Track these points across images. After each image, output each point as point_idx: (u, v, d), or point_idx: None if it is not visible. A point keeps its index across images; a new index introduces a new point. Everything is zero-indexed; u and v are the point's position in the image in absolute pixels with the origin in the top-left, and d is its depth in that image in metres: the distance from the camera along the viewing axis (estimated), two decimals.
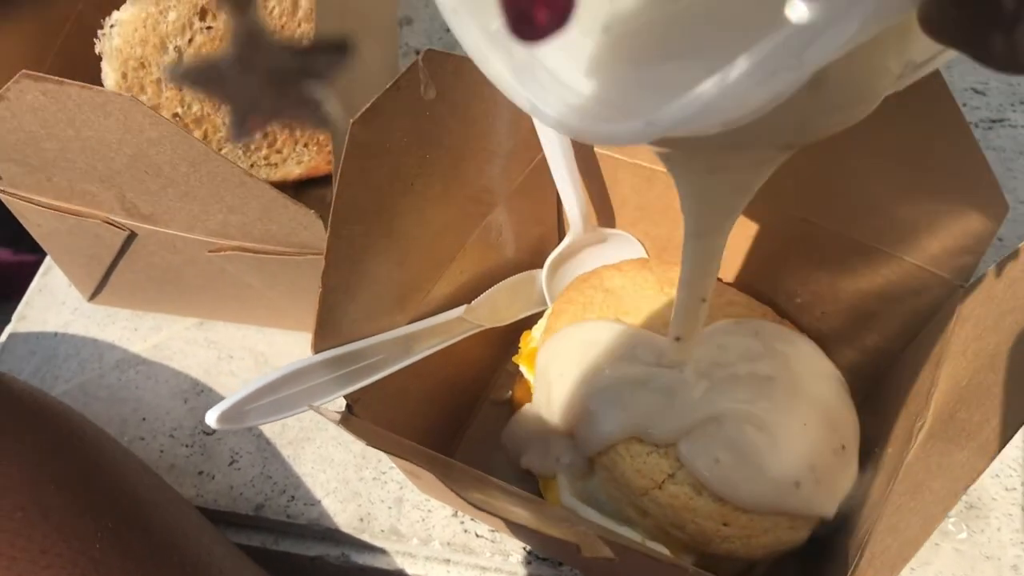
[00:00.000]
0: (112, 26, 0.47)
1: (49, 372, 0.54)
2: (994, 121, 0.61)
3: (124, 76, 0.47)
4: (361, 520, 0.46)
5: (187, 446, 0.50)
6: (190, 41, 0.48)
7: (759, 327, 0.43)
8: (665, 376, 0.39)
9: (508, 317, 0.48)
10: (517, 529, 0.41)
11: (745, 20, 0.17)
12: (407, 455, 0.35)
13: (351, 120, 0.33)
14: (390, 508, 0.47)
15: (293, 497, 0.48)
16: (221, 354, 0.54)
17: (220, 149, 0.50)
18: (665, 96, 0.17)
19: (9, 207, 0.47)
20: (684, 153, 0.26)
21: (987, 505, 0.45)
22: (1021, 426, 0.28)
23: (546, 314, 0.47)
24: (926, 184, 0.38)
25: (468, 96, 0.40)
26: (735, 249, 0.47)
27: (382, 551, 0.46)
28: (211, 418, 0.33)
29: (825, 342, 0.44)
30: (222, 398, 0.34)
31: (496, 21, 0.15)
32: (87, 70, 0.47)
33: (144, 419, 0.52)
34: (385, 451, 0.35)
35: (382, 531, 0.46)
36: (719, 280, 0.47)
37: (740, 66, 0.16)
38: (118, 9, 0.47)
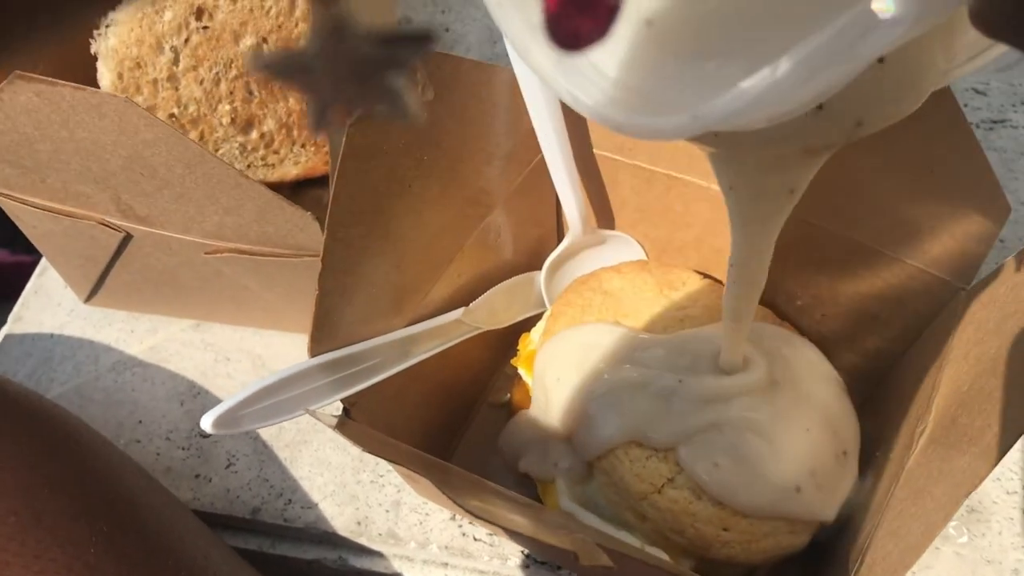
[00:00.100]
0: (108, 26, 0.47)
1: (45, 374, 0.54)
2: (995, 122, 0.61)
3: (120, 76, 0.47)
4: (358, 523, 0.46)
5: (183, 449, 0.50)
6: (186, 41, 0.48)
7: (759, 329, 0.43)
8: (664, 380, 0.38)
9: (506, 319, 0.48)
10: (515, 535, 0.41)
11: (798, 12, 0.17)
12: (403, 461, 0.34)
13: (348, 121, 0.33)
14: (387, 511, 0.46)
15: (290, 500, 0.47)
16: (218, 356, 0.54)
17: (216, 150, 0.50)
18: (711, 90, 0.17)
19: (4, 208, 0.46)
20: (728, 150, 0.26)
21: (988, 509, 0.44)
22: (1023, 432, 0.28)
23: (544, 316, 0.47)
24: (927, 186, 0.38)
25: (466, 97, 0.40)
26: None
27: (379, 555, 0.46)
28: (206, 423, 0.33)
29: (825, 344, 0.44)
30: (219, 400, 0.34)
31: (539, 14, 0.15)
32: (83, 70, 0.47)
33: (140, 422, 0.51)
34: (381, 457, 0.34)
35: (379, 534, 0.46)
36: (718, 282, 0.47)
37: (790, 60, 0.16)
38: (114, 9, 0.47)
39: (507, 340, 0.49)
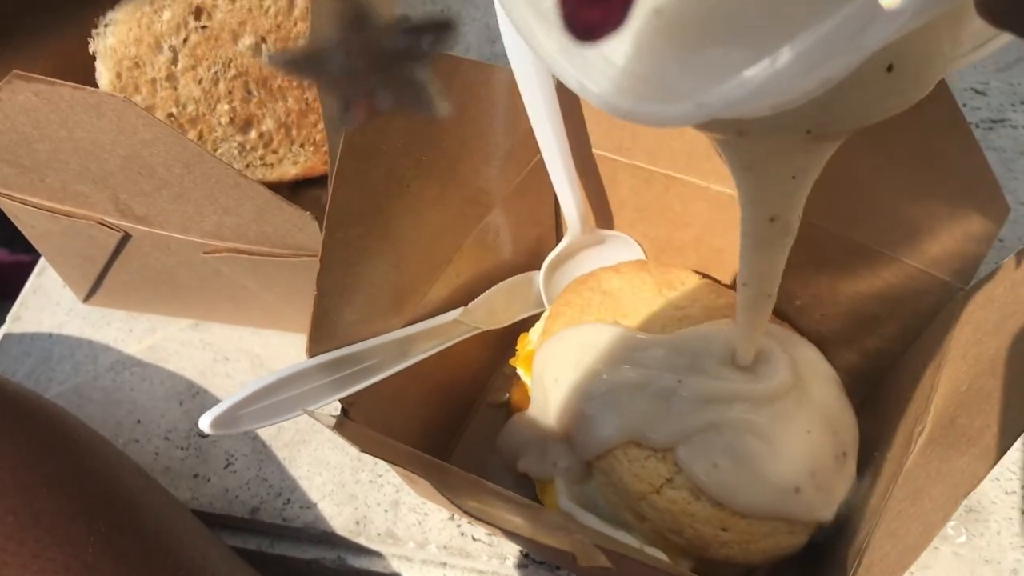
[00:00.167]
0: (106, 25, 0.47)
1: (44, 374, 0.54)
2: (995, 121, 0.61)
3: (118, 76, 0.47)
4: (357, 523, 0.46)
5: (182, 449, 0.50)
6: (185, 40, 0.48)
7: None
8: (663, 380, 0.38)
9: (505, 319, 0.48)
10: (513, 535, 0.41)
11: (802, 1, 0.17)
12: (402, 461, 0.34)
13: None
14: (386, 511, 0.46)
15: (289, 500, 0.47)
16: (217, 356, 0.54)
17: (215, 150, 0.50)
18: (716, 78, 0.17)
19: (2, 208, 0.46)
20: (735, 138, 0.26)
21: (987, 509, 0.44)
22: (1022, 432, 0.28)
23: (543, 316, 0.47)
24: (926, 185, 0.38)
25: (465, 97, 0.40)
26: (733, 250, 0.46)
27: (378, 554, 0.46)
28: (204, 423, 0.33)
29: (824, 345, 0.44)
30: (218, 400, 0.34)
31: (551, 2, 0.15)
32: (81, 70, 0.47)
33: (139, 421, 0.51)
34: (380, 457, 0.34)
35: (378, 534, 0.46)
36: (717, 282, 0.47)
37: (793, 49, 0.16)
38: (112, 8, 0.47)
39: (506, 340, 0.49)
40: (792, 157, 0.27)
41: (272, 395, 0.34)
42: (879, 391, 0.45)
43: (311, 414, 0.35)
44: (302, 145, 0.52)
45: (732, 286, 0.47)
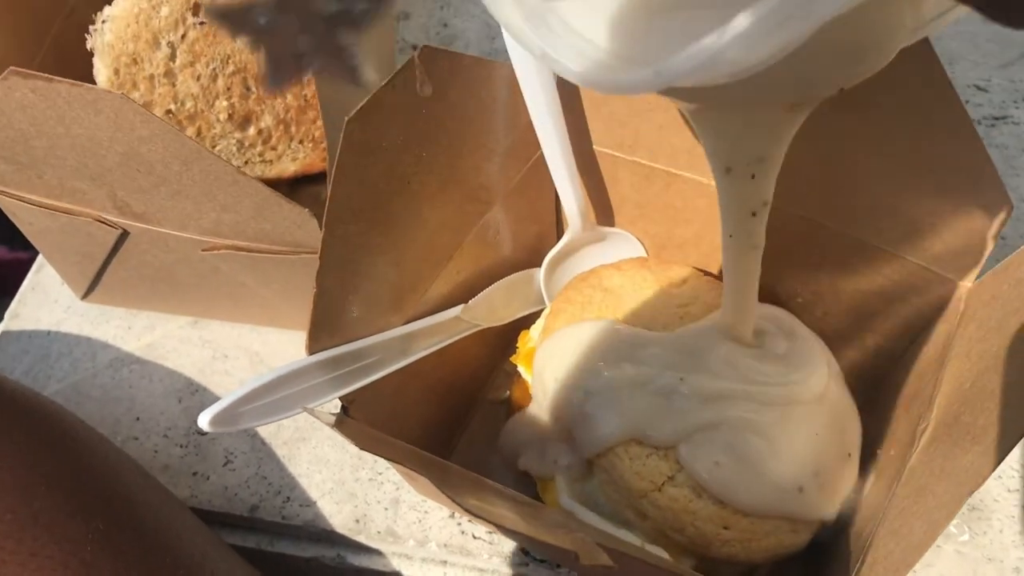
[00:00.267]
0: (104, 21, 0.47)
1: (42, 371, 0.54)
2: (997, 118, 0.61)
3: (116, 72, 0.47)
4: (357, 521, 0.46)
5: (181, 446, 0.50)
6: (183, 37, 0.48)
7: (772, 313, 0.43)
8: (665, 378, 0.38)
9: (506, 317, 0.48)
10: (514, 533, 0.41)
11: None
12: (402, 459, 0.34)
13: (346, 117, 0.33)
14: (386, 509, 0.46)
15: (288, 498, 0.47)
16: (216, 353, 0.54)
17: (213, 147, 0.50)
18: (675, 45, 0.17)
19: (0, 205, 0.46)
20: (702, 107, 0.26)
21: (989, 507, 0.44)
22: None
23: (544, 314, 0.46)
24: (929, 182, 0.37)
25: (465, 93, 0.40)
26: None
27: (378, 553, 0.45)
28: (203, 421, 0.33)
29: (826, 342, 0.44)
30: (217, 398, 0.34)
31: None
32: (79, 66, 0.46)
33: (138, 419, 0.51)
34: (380, 455, 0.34)
35: (378, 532, 0.46)
36: (718, 279, 0.47)
37: (749, 16, 0.16)
38: (110, 4, 0.47)
39: (506, 337, 0.49)
40: (761, 126, 0.27)
41: (272, 392, 0.34)
42: (881, 389, 0.45)
43: (311, 412, 0.35)
44: (301, 142, 0.52)
45: None
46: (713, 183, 0.44)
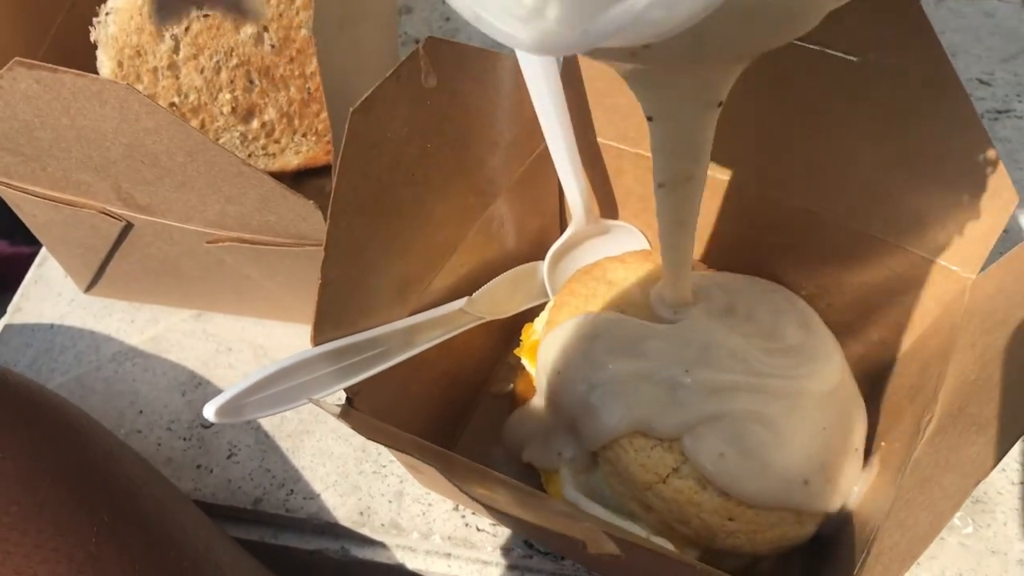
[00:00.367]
0: (108, 14, 0.47)
1: (45, 364, 0.54)
2: (1000, 112, 0.61)
3: (120, 64, 0.47)
4: (361, 514, 0.46)
5: (185, 439, 0.50)
6: (187, 29, 0.47)
7: (792, 301, 0.43)
8: (669, 370, 0.38)
9: (509, 309, 0.48)
10: (520, 524, 0.41)
11: None
12: (408, 449, 0.34)
13: (351, 109, 0.33)
14: (390, 502, 0.46)
15: (292, 491, 0.47)
16: (219, 346, 0.54)
17: (217, 140, 0.50)
18: (602, 7, 0.18)
19: (3, 197, 0.46)
20: (641, 69, 0.26)
21: (993, 499, 0.44)
22: None
23: (548, 306, 0.46)
24: (934, 175, 0.37)
25: (470, 85, 0.40)
26: (740, 240, 0.46)
27: (382, 545, 0.45)
28: (209, 412, 0.33)
29: None
30: (220, 391, 0.34)
31: None
32: (82, 58, 0.46)
33: (141, 412, 0.51)
34: (385, 445, 0.34)
35: (382, 525, 0.46)
36: (720, 272, 0.47)
37: None
38: None
39: (510, 330, 0.49)
40: (691, 88, 0.28)
41: (277, 384, 0.34)
42: (885, 381, 0.45)
43: (316, 403, 0.35)
44: (304, 135, 0.52)
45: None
46: (717, 175, 0.44)
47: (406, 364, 0.39)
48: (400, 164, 0.37)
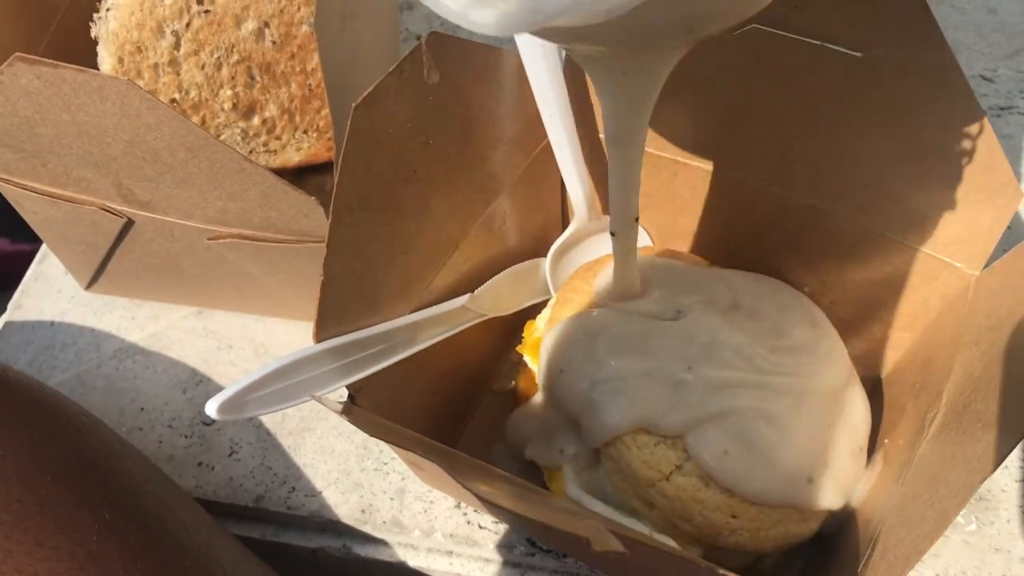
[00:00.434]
0: (108, 9, 0.46)
1: (46, 362, 0.53)
2: (1003, 108, 0.60)
3: (120, 61, 0.47)
4: (363, 511, 0.46)
5: (186, 437, 0.50)
6: (188, 25, 0.47)
7: (800, 301, 0.43)
8: (672, 367, 0.38)
9: (511, 306, 0.48)
10: (523, 521, 0.41)
11: None
12: (411, 446, 0.34)
13: (353, 104, 0.33)
14: (392, 499, 0.46)
15: (294, 488, 0.47)
16: (220, 343, 0.54)
17: (218, 136, 0.50)
18: None
19: (4, 194, 0.46)
20: (589, 47, 0.27)
21: (996, 497, 0.44)
22: None
23: (550, 303, 0.46)
24: (938, 171, 0.37)
25: (472, 81, 0.40)
26: (743, 236, 0.46)
27: (384, 543, 0.45)
28: (211, 408, 0.33)
29: None
30: (221, 388, 0.34)
31: None
32: (83, 54, 0.46)
33: (142, 409, 0.51)
34: (388, 442, 0.34)
35: (384, 523, 0.45)
36: (723, 268, 0.46)
37: None
38: None
39: (512, 327, 0.49)
40: (644, 67, 0.28)
41: (279, 380, 0.34)
42: (888, 378, 0.45)
43: (319, 399, 0.35)
44: (305, 131, 0.52)
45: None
46: (721, 172, 0.44)
47: (408, 361, 0.39)
48: (402, 160, 0.37)
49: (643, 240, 0.50)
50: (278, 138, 0.51)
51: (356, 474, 0.47)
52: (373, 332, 0.37)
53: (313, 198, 0.40)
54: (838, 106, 0.38)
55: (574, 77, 0.43)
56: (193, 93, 0.48)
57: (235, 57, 0.49)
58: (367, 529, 0.45)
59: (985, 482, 0.44)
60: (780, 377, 0.38)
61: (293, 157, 0.52)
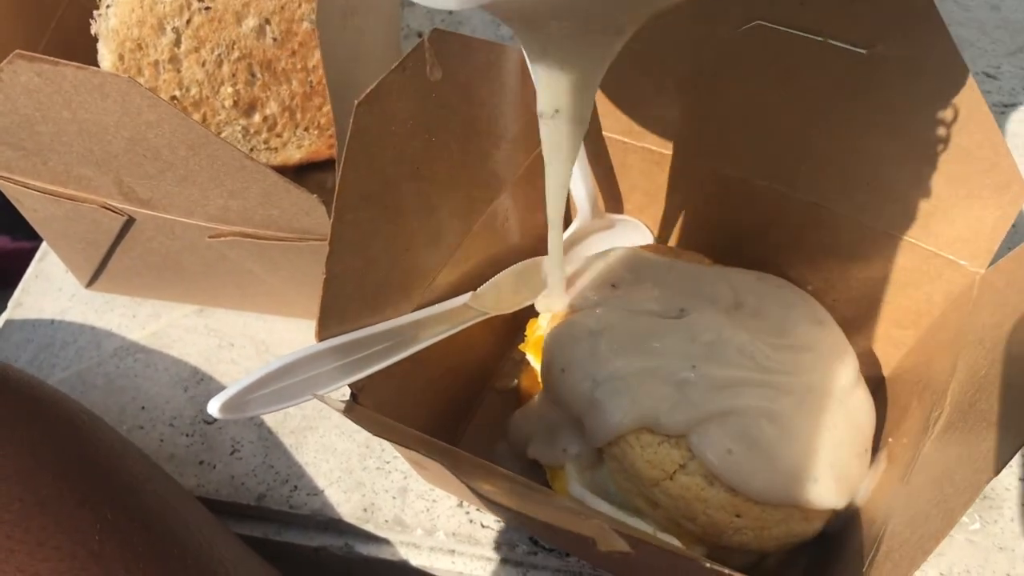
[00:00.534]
0: (108, 7, 0.46)
1: (46, 360, 0.53)
2: (1006, 106, 0.60)
3: (121, 58, 0.47)
4: (365, 510, 0.46)
5: (187, 435, 0.49)
6: (188, 22, 0.47)
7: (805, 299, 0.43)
8: (676, 366, 0.38)
9: (514, 304, 0.48)
10: (525, 520, 0.41)
11: None
12: (413, 445, 0.34)
13: (356, 102, 0.33)
14: (394, 498, 0.46)
15: (296, 487, 0.47)
16: (221, 342, 0.53)
17: (219, 133, 0.49)
18: None
19: (4, 192, 0.46)
20: (539, 30, 0.27)
21: (1000, 496, 0.44)
22: None
23: None
24: (942, 168, 0.37)
25: (475, 78, 0.39)
26: (745, 234, 0.46)
27: (386, 542, 0.45)
28: (213, 407, 0.32)
29: None
30: (222, 387, 0.34)
31: None
32: (83, 52, 0.46)
33: (143, 408, 0.51)
34: (390, 440, 0.34)
35: (386, 521, 0.45)
36: (726, 267, 0.46)
37: None
38: None
39: (515, 325, 0.49)
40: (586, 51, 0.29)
41: (281, 379, 0.34)
42: (892, 376, 0.44)
43: (321, 398, 0.35)
44: (306, 129, 0.52)
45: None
46: (725, 170, 0.44)
47: (410, 360, 0.39)
48: (405, 158, 0.37)
49: (645, 238, 0.50)
50: (279, 135, 0.51)
51: (358, 473, 0.47)
52: (375, 331, 0.37)
53: (315, 196, 0.39)
54: (841, 103, 0.38)
55: None
56: (194, 90, 0.48)
57: (236, 54, 0.48)
58: (369, 528, 0.45)
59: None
60: (784, 376, 0.38)
61: (294, 154, 0.52)
